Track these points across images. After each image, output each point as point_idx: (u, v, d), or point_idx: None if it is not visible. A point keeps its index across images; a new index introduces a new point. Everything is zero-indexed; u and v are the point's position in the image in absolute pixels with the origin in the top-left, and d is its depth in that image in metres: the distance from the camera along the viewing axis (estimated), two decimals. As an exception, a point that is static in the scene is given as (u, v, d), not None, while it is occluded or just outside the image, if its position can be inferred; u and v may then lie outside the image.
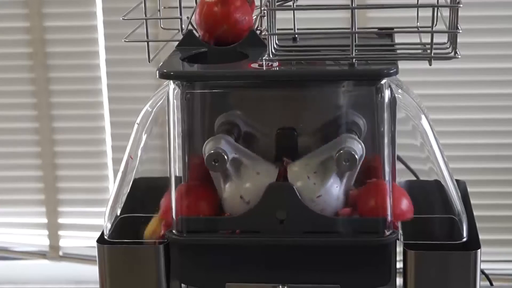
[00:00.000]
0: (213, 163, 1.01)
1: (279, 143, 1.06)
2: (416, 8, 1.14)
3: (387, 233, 1.02)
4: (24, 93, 2.52)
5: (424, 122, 1.08)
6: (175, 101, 1.05)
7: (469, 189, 1.21)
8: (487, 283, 1.28)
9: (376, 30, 1.19)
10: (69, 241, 2.61)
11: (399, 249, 1.04)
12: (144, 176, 1.14)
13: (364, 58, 1.03)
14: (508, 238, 2.47)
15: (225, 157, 1.01)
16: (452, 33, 1.01)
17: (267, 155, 1.06)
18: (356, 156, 0.99)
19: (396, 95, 1.05)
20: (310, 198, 1.01)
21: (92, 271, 1.24)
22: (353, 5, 0.99)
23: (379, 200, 1.03)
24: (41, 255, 2.63)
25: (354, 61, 1.01)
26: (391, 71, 1.00)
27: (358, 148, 1.00)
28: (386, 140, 1.04)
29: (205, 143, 1.03)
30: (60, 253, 2.62)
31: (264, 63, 1.03)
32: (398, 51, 1.06)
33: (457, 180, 1.10)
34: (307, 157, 1.04)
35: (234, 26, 1.08)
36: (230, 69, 1.04)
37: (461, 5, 0.99)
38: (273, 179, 1.03)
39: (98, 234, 1.09)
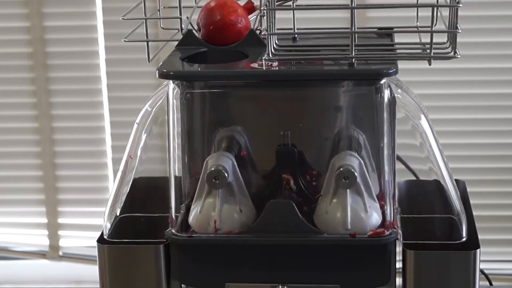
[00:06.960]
0: (213, 180, 1.01)
1: (279, 159, 1.06)
2: (416, 8, 1.14)
3: (387, 233, 1.02)
4: (24, 92, 2.51)
5: (424, 122, 1.08)
6: (174, 101, 1.05)
7: (468, 189, 1.21)
8: (487, 283, 1.28)
9: (375, 30, 1.19)
10: (69, 241, 2.61)
11: (399, 249, 1.04)
12: (143, 175, 1.14)
13: (364, 58, 1.03)
14: (508, 238, 2.47)
15: (226, 176, 1.00)
16: (452, 33, 1.02)
17: (266, 170, 1.07)
18: (356, 173, 0.99)
19: (395, 95, 1.05)
20: (345, 228, 1.01)
21: (92, 271, 1.25)
22: (353, 5, 0.99)
23: None
24: (41, 255, 2.63)
25: (353, 61, 1.01)
26: (391, 71, 1.00)
27: (356, 164, 1.00)
28: (386, 140, 1.04)
29: (207, 158, 1.03)
30: (60, 253, 2.62)
31: (264, 63, 1.03)
32: (398, 51, 1.06)
33: (456, 180, 1.10)
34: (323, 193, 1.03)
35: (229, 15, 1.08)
36: (230, 69, 1.04)
37: (460, 5, 0.99)
38: (251, 221, 1.03)
39: (98, 234, 1.09)
